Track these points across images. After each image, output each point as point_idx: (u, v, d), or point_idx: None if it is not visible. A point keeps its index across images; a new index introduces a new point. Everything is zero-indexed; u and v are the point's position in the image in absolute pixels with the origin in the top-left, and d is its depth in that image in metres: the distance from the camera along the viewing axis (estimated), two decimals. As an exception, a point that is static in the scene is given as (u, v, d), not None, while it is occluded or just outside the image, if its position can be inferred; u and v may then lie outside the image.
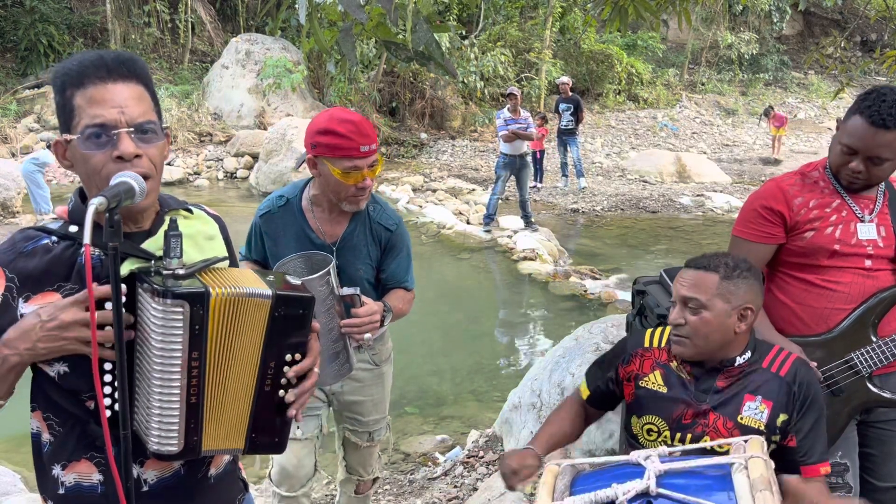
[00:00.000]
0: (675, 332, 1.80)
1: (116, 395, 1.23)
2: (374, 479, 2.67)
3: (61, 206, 1.33)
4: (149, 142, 1.23)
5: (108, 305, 1.19)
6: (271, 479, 2.42)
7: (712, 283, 1.75)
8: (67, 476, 1.30)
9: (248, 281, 1.28)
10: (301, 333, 1.32)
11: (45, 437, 1.31)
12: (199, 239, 1.38)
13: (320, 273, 1.92)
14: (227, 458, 1.45)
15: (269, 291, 1.26)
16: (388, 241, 2.26)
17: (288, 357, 1.32)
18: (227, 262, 1.35)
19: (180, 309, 1.17)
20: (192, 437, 1.24)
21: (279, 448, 1.38)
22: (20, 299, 1.23)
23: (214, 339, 1.22)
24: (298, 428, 2.33)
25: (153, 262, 1.24)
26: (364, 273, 2.24)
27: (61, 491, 1.31)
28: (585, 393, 1.99)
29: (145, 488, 1.32)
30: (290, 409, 1.35)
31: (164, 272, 1.20)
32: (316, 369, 1.38)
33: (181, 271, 1.21)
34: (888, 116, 1.88)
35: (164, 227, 1.31)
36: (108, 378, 1.23)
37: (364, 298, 2.05)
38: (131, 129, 1.21)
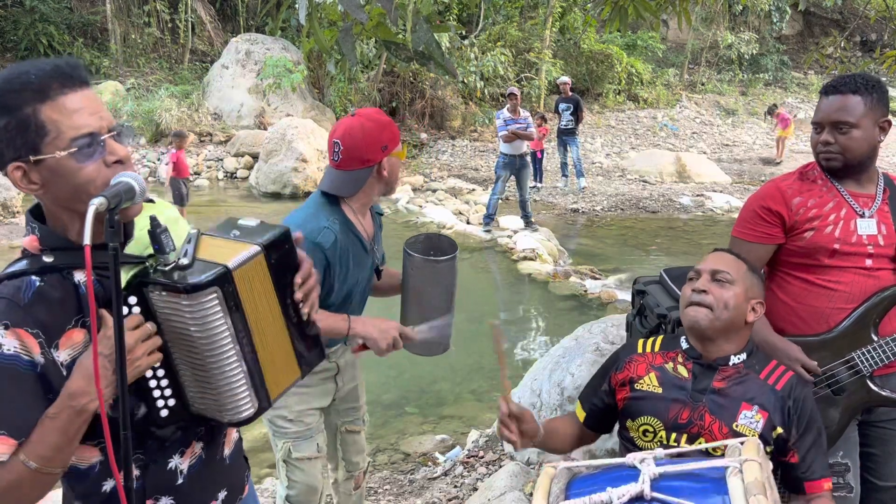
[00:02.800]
0: (695, 299, 1.83)
1: (167, 392, 1.25)
2: (367, 467, 2.70)
3: (27, 237, 1.23)
4: (124, 142, 1.22)
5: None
6: (290, 502, 2.39)
7: (740, 268, 1.88)
8: (107, 484, 1.29)
9: (227, 246, 1.27)
10: (293, 261, 1.34)
11: (95, 459, 1.28)
12: (172, 226, 1.35)
13: (455, 254, 2.18)
14: (235, 436, 1.48)
15: (256, 247, 1.26)
16: (381, 225, 2.45)
17: (294, 286, 1.35)
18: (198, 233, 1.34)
19: (214, 295, 1.17)
20: (261, 391, 1.28)
21: (323, 354, 1.43)
22: (52, 349, 1.18)
23: (246, 305, 1.24)
24: (318, 445, 2.38)
25: (146, 263, 1.22)
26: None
27: (100, 500, 1.30)
28: (582, 415, 2.01)
29: (180, 480, 1.33)
30: (312, 317, 1.38)
31: (167, 268, 1.19)
32: (313, 278, 1.40)
33: (185, 261, 1.20)
34: (840, 84, 2.01)
35: (137, 227, 1.30)
36: (153, 384, 1.24)
37: None
38: (113, 133, 1.19)
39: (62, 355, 1.18)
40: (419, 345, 2.26)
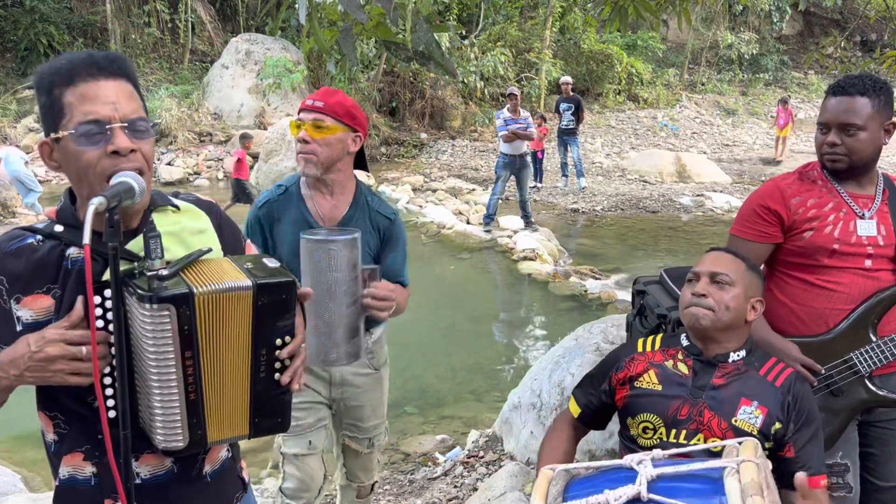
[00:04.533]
0: (696, 302, 1.83)
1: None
2: (373, 484, 2.65)
3: (51, 206, 1.32)
4: (141, 138, 1.24)
5: (100, 323, 1.20)
6: (284, 493, 2.37)
7: (739, 268, 1.88)
8: (63, 469, 1.32)
9: (227, 274, 1.26)
10: (287, 317, 1.31)
11: (50, 437, 1.32)
12: (186, 235, 1.36)
13: (350, 237, 1.88)
14: (223, 455, 1.45)
15: (248, 283, 1.25)
16: (387, 231, 2.26)
17: (278, 341, 1.31)
18: (210, 253, 1.32)
19: (167, 312, 1.17)
20: (196, 430, 1.26)
21: (283, 426, 1.38)
22: (11, 301, 1.23)
23: (205, 336, 1.22)
24: (311, 442, 2.32)
25: (136, 263, 1.23)
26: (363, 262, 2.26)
27: (56, 483, 1.33)
28: (576, 411, 2.01)
29: (138, 481, 1.33)
30: (292, 384, 1.35)
31: (148, 273, 1.19)
32: (303, 346, 1.38)
33: (165, 272, 1.19)
34: (847, 85, 2.00)
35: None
36: (108, 380, 1.24)
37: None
38: (125, 125, 1.21)
39: (23, 312, 1.24)
40: (313, 349, 1.94)
